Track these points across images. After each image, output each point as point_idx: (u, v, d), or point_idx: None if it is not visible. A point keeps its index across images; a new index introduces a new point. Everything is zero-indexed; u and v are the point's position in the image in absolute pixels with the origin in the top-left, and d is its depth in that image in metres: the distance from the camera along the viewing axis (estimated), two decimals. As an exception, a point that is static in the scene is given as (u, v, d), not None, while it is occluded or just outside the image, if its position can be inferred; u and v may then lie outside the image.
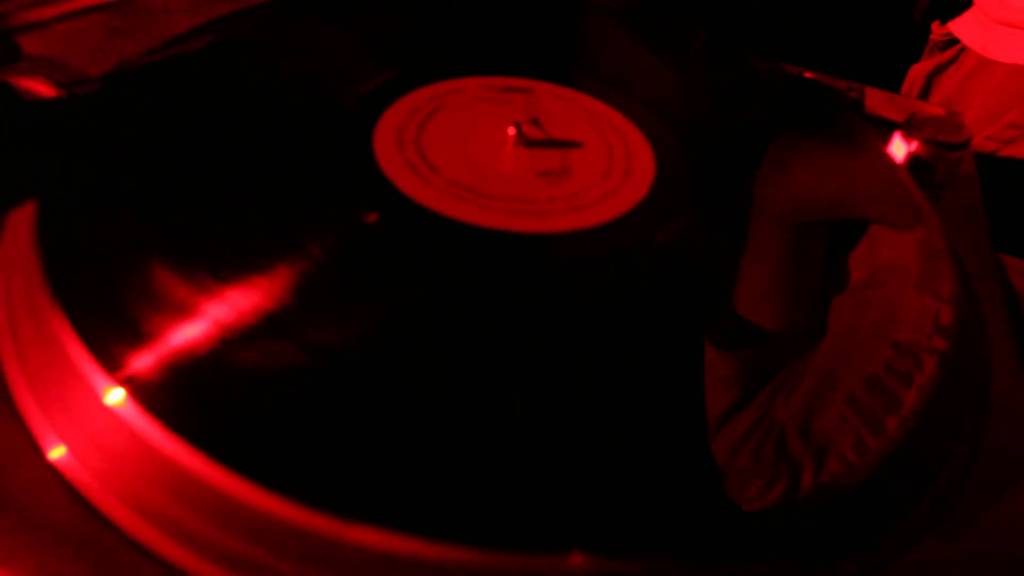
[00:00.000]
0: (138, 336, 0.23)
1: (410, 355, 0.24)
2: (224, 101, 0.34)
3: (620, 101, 0.37)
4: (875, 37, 0.66)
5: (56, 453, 0.23)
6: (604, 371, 0.25)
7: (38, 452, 0.23)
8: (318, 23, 0.41)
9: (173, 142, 0.31)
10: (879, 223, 0.33)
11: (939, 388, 0.26)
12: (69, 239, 0.26)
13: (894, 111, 0.43)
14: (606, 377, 0.25)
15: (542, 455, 0.23)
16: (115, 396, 0.22)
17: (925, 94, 0.62)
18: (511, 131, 0.32)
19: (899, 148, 0.38)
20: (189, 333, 0.23)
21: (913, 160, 0.38)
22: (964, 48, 0.58)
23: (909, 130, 0.38)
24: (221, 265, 0.25)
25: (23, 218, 0.27)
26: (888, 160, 0.37)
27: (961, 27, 0.58)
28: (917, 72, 0.63)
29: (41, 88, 0.35)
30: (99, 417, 0.22)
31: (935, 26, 0.62)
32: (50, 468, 0.22)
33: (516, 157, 0.32)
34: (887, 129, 0.41)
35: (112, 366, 0.22)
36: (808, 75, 0.45)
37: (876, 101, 0.44)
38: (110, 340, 0.23)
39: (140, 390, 0.22)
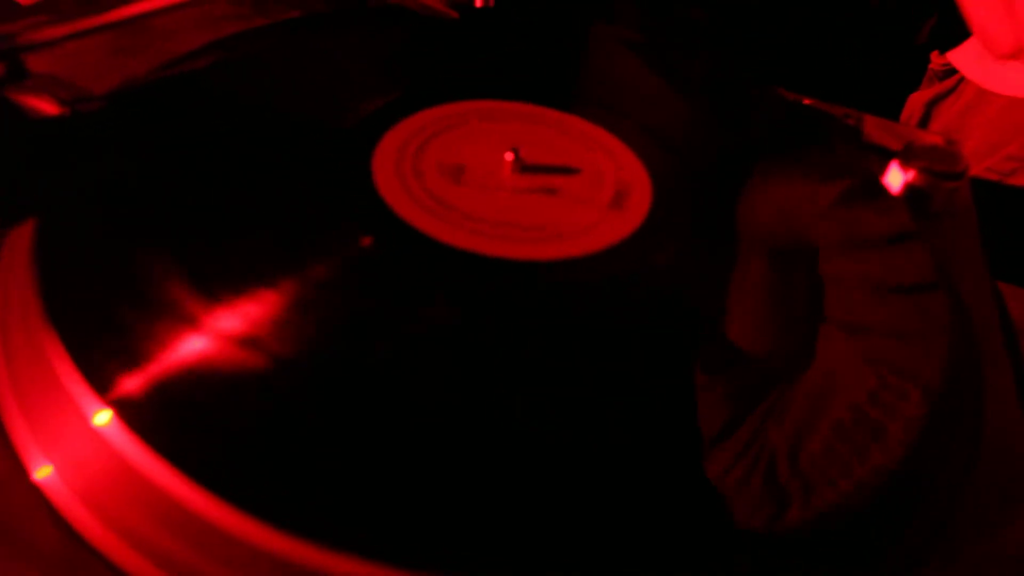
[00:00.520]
0: (129, 357, 0.23)
1: (405, 381, 0.24)
2: (226, 121, 0.35)
3: (619, 127, 0.37)
4: (874, 64, 0.66)
5: (42, 473, 0.23)
6: (596, 399, 0.25)
7: (23, 472, 0.23)
8: (321, 45, 0.41)
9: (174, 162, 0.32)
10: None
11: (926, 419, 0.25)
12: (66, 258, 0.26)
13: (892, 139, 0.44)
14: (597, 404, 0.25)
15: (535, 481, 0.23)
16: (103, 417, 0.22)
17: (924, 123, 0.62)
18: (508, 156, 0.33)
19: (896, 177, 0.38)
20: (181, 355, 0.24)
21: (910, 189, 0.38)
22: (963, 78, 0.59)
23: (906, 159, 0.38)
24: (215, 287, 0.25)
25: (22, 235, 0.28)
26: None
27: (960, 57, 0.59)
28: (916, 101, 0.63)
29: (45, 106, 0.36)
30: (86, 438, 0.22)
31: (934, 56, 0.62)
32: (35, 489, 0.22)
33: (513, 182, 0.33)
34: (884, 157, 0.41)
35: (101, 387, 0.22)
36: (806, 101, 0.46)
37: (874, 129, 0.45)
38: (101, 360, 0.23)
39: (128, 412, 0.22)
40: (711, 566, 0.22)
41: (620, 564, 0.21)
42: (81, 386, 0.22)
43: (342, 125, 0.34)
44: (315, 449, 0.22)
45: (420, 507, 0.22)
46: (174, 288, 0.25)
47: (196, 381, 0.23)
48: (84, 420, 0.22)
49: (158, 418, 0.22)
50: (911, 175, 0.38)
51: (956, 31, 0.61)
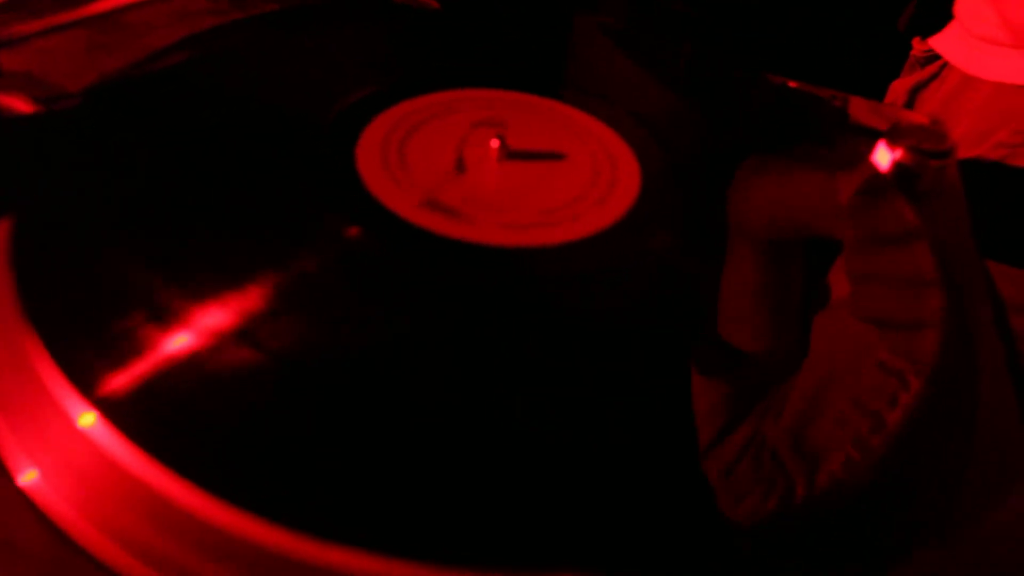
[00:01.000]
0: (112, 356, 0.23)
1: (394, 372, 0.24)
2: (206, 116, 0.34)
3: (605, 113, 0.37)
4: (855, 51, 0.66)
5: (27, 477, 0.22)
6: (594, 390, 0.25)
7: (7, 476, 0.22)
8: (300, 38, 0.41)
9: (152, 159, 0.31)
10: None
11: (926, 405, 0.25)
12: (43, 257, 0.26)
13: (878, 120, 0.44)
14: (597, 396, 0.25)
15: (535, 473, 0.22)
16: (87, 417, 0.22)
17: (909, 109, 0.62)
18: (494, 143, 0.32)
19: (883, 156, 0.38)
20: (165, 352, 0.23)
21: (898, 168, 0.38)
22: (946, 64, 0.58)
23: (893, 138, 0.38)
24: (198, 283, 0.25)
25: (-3, 235, 0.27)
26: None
27: (942, 43, 0.58)
28: (899, 88, 0.63)
29: (19, 104, 0.35)
30: (71, 439, 0.22)
31: (916, 42, 0.61)
32: (20, 493, 0.22)
33: (499, 169, 0.32)
34: (871, 138, 0.41)
35: (85, 387, 0.22)
36: (792, 84, 0.45)
37: (860, 110, 0.44)
38: (84, 360, 0.22)
39: (113, 411, 0.22)
40: (715, 564, 0.22)
41: (624, 555, 0.21)
42: (64, 387, 0.22)
43: (324, 117, 0.34)
44: (301, 443, 0.22)
45: (417, 500, 0.21)
46: (156, 285, 0.25)
47: (181, 378, 0.23)
48: (68, 422, 0.22)
49: (143, 416, 0.22)
50: (899, 154, 0.38)
51: (937, 16, 0.61)
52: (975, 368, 0.31)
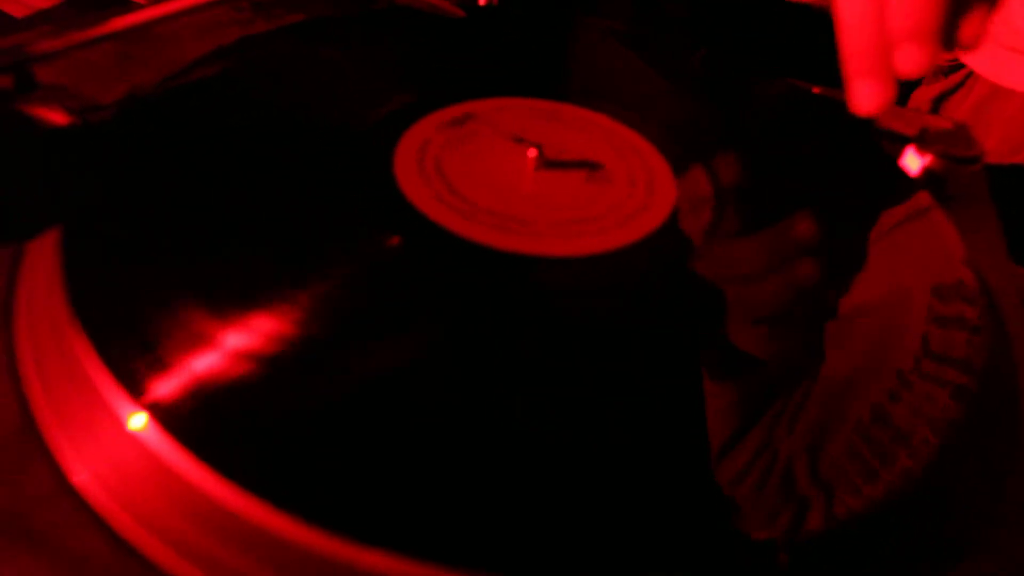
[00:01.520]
0: (161, 361, 0.23)
1: (439, 380, 0.24)
2: (239, 126, 0.34)
3: (638, 123, 0.37)
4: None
5: (79, 479, 0.22)
6: (613, 400, 0.25)
7: (62, 477, 0.22)
8: (331, 47, 0.41)
9: (189, 167, 0.31)
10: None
11: (956, 417, 0.25)
12: (91, 265, 0.26)
13: (902, 124, 0.43)
14: (614, 406, 0.25)
15: (556, 482, 0.22)
16: (138, 421, 0.22)
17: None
18: (532, 152, 0.32)
19: (913, 162, 0.38)
20: (213, 358, 0.23)
21: (927, 173, 0.38)
22: (971, 73, 0.57)
23: (922, 144, 0.38)
24: (244, 289, 0.25)
25: (46, 244, 0.27)
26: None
27: (969, 53, 0.58)
28: (921, 96, 0.62)
29: (55, 116, 0.35)
30: (122, 442, 0.22)
31: None
32: (73, 494, 0.22)
33: (537, 179, 0.32)
34: (898, 143, 0.41)
35: (135, 390, 0.22)
36: (816, 90, 0.45)
37: (885, 115, 0.44)
38: (133, 364, 0.23)
39: (163, 415, 0.22)
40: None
41: (638, 566, 0.21)
42: (115, 390, 0.22)
43: (359, 128, 0.34)
44: (354, 450, 0.22)
45: (474, 508, 0.21)
46: (202, 293, 0.25)
47: (229, 382, 0.23)
48: (119, 425, 0.22)
49: (192, 420, 0.22)
50: (929, 159, 0.38)
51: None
52: (1014, 374, 0.30)
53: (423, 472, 0.22)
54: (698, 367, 0.27)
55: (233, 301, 0.25)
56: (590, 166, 0.34)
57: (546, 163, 0.33)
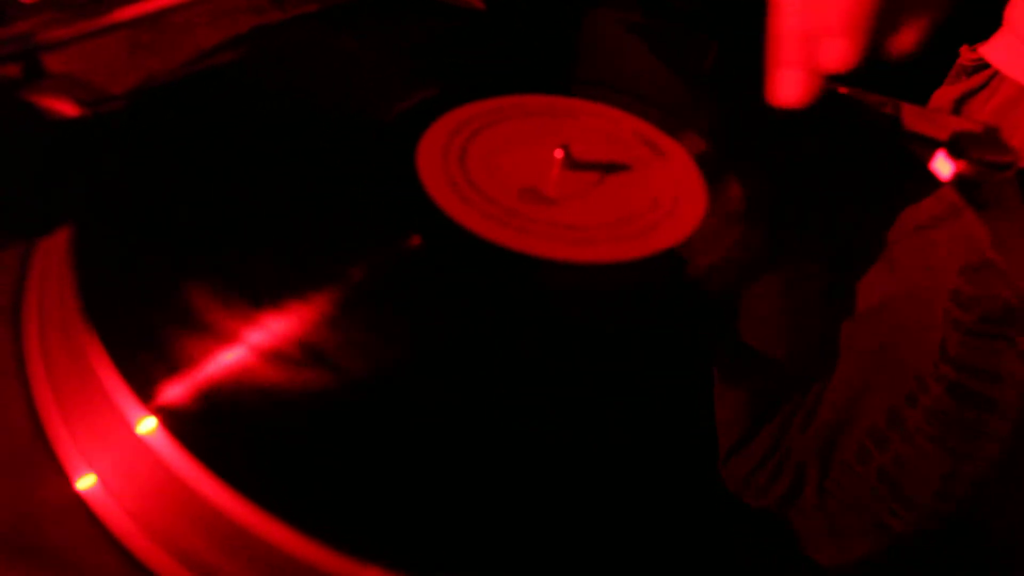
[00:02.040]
0: (173, 364, 0.22)
1: (456, 388, 0.23)
2: (254, 118, 0.33)
3: (665, 122, 0.36)
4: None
5: (85, 483, 0.21)
6: (642, 408, 0.24)
7: (66, 481, 0.21)
8: (348, 37, 0.40)
9: (202, 162, 0.31)
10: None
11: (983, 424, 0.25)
12: (102, 264, 0.25)
13: (931, 127, 0.42)
14: (642, 414, 0.24)
15: (575, 491, 0.22)
16: (147, 425, 0.21)
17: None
18: (558, 153, 0.31)
19: (944, 167, 0.38)
20: (226, 361, 0.22)
21: (958, 178, 0.37)
22: (996, 73, 0.56)
23: (954, 149, 0.38)
24: (258, 291, 0.24)
25: (57, 242, 0.26)
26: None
27: (994, 52, 0.56)
28: (943, 97, 0.61)
29: (64, 107, 0.34)
30: (130, 446, 0.21)
31: (964, 50, 0.59)
32: (77, 499, 0.21)
33: (562, 179, 0.31)
34: (928, 146, 0.40)
35: (146, 394, 0.21)
36: (842, 90, 0.44)
37: (912, 117, 0.43)
38: (144, 367, 0.22)
39: (173, 420, 0.21)
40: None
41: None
42: (125, 393, 0.21)
43: (377, 120, 0.33)
44: (367, 464, 0.21)
45: (493, 521, 0.21)
46: (213, 292, 0.24)
47: (245, 388, 0.22)
48: (128, 428, 0.21)
49: (205, 427, 0.21)
50: (961, 165, 0.37)
51: (985, 22, 0.59)
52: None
53: (449, 487, 0.21)
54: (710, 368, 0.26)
55: (249, 303, 0.24)
56: (617, 168, 0.33)
57: (572, 164, 0.32)
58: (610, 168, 0.33)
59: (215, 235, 0.27)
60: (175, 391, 0.22)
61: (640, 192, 0.32)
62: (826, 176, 0.37)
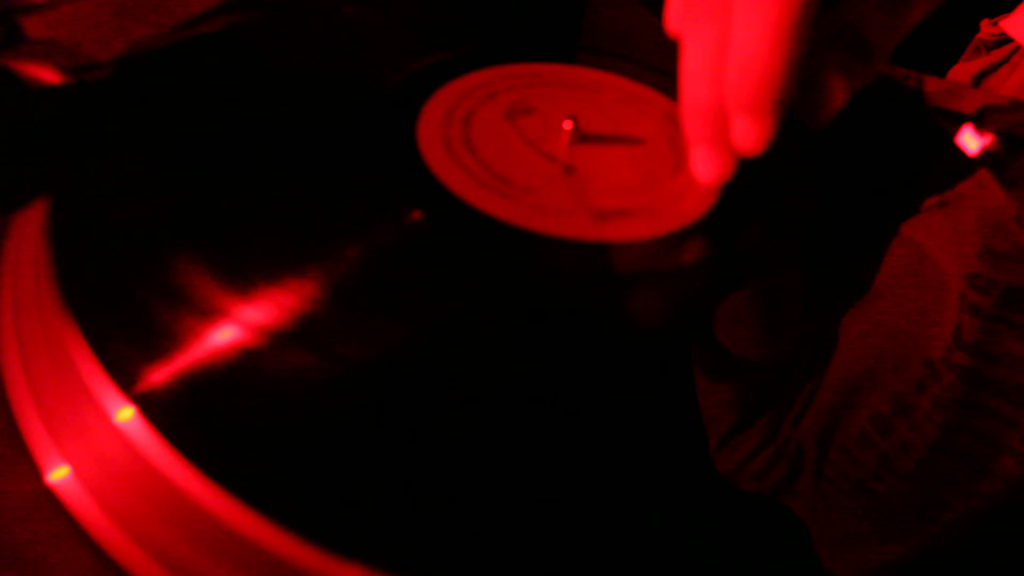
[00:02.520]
0: (155, 350, 0.21)
1: (451, 376, 0.22)
2: (248, 87, 0.32)
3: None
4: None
5: (57, 475, 0.20)
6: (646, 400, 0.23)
7: (37, 473, 0.20)
8: (345, 4, 0.38)
9: (190, 134, 0.29)
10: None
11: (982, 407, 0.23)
12: (81, 243, 0.24)
13: (954, 101, 0.41)
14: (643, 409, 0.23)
15: (575, 491, 0.21)
16: (125, 414, 0.20)
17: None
18: (567, 125, 0.30)
19: (971, 141, 0.36)
20: (210, 345, 0.21)
21: (985, 153, 0.36)
22: (1018, 48, 0.54)
23: (981, 123, 0.36)
24: (244, 270, 0.23)
25: (32, 218, 0.25)
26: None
27: (1016, 25, 0.54)
28: (961, 72, 0.59)
29: (46, 74, 0.33)
30: (106, 436, 0.20)
31: (984, 24, 0.57)
32: (48, 492, 0.20)
33: (571, 153, 0.30)
34: (952, 121, 0.38)
35: (124, 381, 0.20)
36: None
37: (935, 91, 0.42)
38: (124, 353, 0.21)
39: (153, 408, 0.20)
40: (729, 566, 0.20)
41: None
42: (102, 380, 0.20)
43: (379, 90, 0.31)
44: (355, 456, 0.20)
45: (485, 516, 0.20)
46: (201, 274, 0.23)
47: (230, 377, 0.21)
48: (105, 417, 0.20)
49: (185, 416, 0.20)
50: (988, 139, 0.35)
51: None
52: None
53: (437, 481, 0.20)
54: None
55: (234, 283, 0.22)
56: (630, 141, 0.31)
57: (582, 137, 0.30)
58: (623, 141, 0.31)
59: (203, 213, 0.25)
60: (155, 378, 0.20)
61: (654, 166, 0.30)
62: (847, 150, 0.35)
